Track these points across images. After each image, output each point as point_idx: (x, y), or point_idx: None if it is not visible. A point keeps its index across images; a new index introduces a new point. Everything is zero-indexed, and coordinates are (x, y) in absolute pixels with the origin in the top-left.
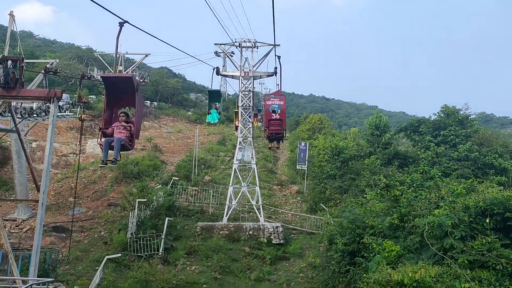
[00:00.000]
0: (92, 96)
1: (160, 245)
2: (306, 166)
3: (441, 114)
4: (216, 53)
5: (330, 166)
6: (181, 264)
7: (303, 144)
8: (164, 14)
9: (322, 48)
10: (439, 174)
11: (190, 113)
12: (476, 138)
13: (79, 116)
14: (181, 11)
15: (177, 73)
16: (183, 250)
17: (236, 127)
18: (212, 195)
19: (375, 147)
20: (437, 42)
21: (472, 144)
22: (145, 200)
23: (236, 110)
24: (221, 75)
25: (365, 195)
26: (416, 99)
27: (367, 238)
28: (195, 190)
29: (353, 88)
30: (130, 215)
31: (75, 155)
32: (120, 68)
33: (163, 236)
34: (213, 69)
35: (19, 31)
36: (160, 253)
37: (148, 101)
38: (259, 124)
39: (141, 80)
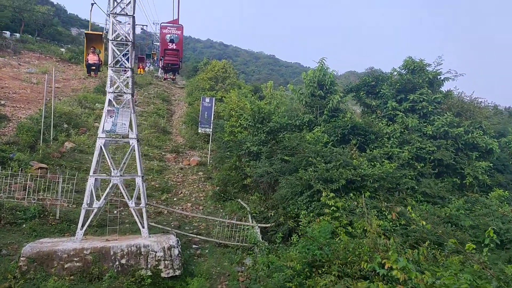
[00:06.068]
0: None
1: None
2: (211, 130)
3: (403, 71)
4: None
5: (251, 138)
6: None
7: (207, 100)
8: None
9: None
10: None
11: (63, 49)
12: (449, 105)
13: None
14: None
15: (54, 3)
16: None
17: (90, 67)
18: (67, 179)
19: (316, 114)
20: None
21: (452, 115)
22: None
23: (87, 32)
24: None
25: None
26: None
27: None
28: (45, 169)
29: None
30: None
31: None
32: None
33: None
34: None
35: None
36: None
37: (8, 32)
38: (150, 68)
39: None
